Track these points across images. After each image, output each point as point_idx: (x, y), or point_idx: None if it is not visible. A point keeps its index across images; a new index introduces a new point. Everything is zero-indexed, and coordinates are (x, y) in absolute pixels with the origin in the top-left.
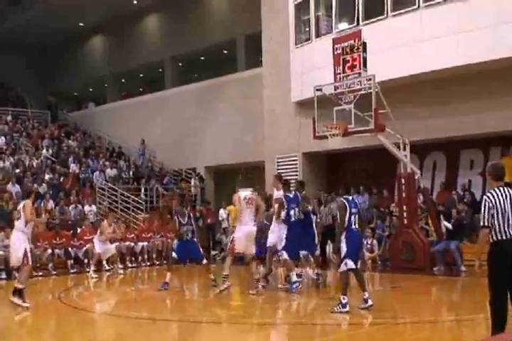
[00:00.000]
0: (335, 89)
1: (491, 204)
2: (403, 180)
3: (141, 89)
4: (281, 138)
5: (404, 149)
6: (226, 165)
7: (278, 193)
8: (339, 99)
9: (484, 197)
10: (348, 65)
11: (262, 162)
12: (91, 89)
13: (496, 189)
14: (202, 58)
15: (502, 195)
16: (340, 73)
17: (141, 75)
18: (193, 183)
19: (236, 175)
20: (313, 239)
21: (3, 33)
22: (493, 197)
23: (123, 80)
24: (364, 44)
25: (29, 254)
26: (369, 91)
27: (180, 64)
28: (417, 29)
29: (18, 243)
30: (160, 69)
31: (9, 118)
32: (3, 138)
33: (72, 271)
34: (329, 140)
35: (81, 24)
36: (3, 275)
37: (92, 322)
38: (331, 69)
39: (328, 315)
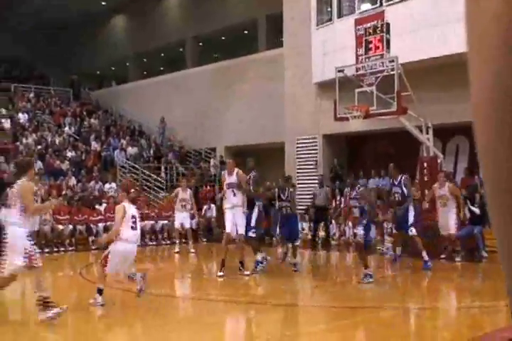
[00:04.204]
0: (356, 71)
1: None
2: (425, 164)
3: (161, 69)
4: (302, 120)
5: (427, 132)
6: (246, 146)
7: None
8: (361, 80)
9: None
10: (371, 46)
11: (282, 143)
12: (113, 68)
13: None
14: (223, 38)
15: None
16: (362, 54)
17: (162, 55)
18: (212, 163)
19: (256, 155)
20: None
21: (27, 13)
22: None
23: (144, 59)
24: (387, 25)
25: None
26: (391, 73)
27: (201, 44)
28: (440, 11)
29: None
30: (181, 49)
31: (32, 95)
32: (25, 115)
33: (93, 247)
34: (350, 122)
35: (103, 3)
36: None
37: (112, 298)
38: (353, 50)
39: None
